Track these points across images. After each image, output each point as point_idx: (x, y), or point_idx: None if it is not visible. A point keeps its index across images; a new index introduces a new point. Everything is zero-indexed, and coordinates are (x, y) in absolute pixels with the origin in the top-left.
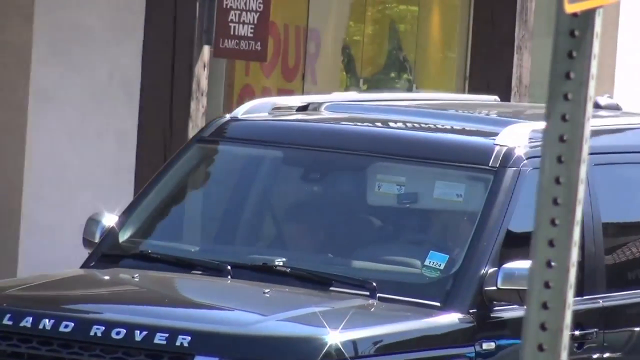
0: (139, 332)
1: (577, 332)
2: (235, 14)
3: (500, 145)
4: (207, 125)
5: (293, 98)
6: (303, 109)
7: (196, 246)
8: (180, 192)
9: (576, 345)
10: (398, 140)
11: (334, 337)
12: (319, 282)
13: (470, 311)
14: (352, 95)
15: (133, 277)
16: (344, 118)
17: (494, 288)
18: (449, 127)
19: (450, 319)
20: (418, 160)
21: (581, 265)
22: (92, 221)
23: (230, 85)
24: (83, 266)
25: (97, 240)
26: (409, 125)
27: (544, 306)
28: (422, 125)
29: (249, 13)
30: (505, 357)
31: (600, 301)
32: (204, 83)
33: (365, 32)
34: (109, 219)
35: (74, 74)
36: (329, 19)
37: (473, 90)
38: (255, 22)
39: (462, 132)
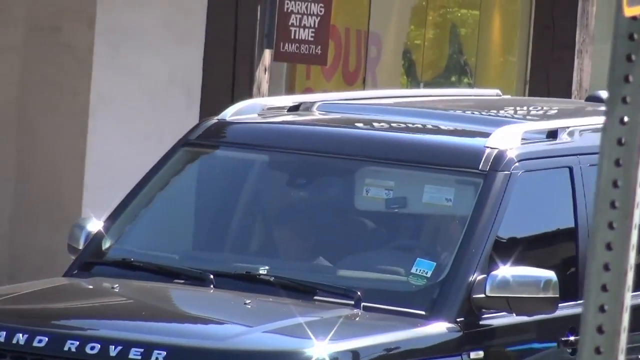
0: (113, 347)
1: (571, 338)
2: (296, 18)
3: (491, 148)
4: (194, 128)
5: (283, 98)
6: (294, 109)
7: (179, 254)
8: (165, 198)
9: (570, 351)
10: (386, 144)
11: (320, 349)
12: (303, 291)
13: (458, 320)
14: (344, 94)
15: (112, 288)
16: (333, 119)
17: (483, 296)
18: (440, 128)
19: (437, 328)
20: (406, 163)
21: (577, 268)
22: (77, 227)
23: (291, 89)
24: (66, 274)
25: (81, 246)
26: (398, 126)
27: (601, 309)
28: (413, 126)
29: (309, 17)
30: None
31: None
32: (264, 87)
33: (426, 36)
34: (94, 225)
35: (134, 77)
36: (390, 23)
37: (533, 94)
38: (316, 26)
39: (453, 133)
